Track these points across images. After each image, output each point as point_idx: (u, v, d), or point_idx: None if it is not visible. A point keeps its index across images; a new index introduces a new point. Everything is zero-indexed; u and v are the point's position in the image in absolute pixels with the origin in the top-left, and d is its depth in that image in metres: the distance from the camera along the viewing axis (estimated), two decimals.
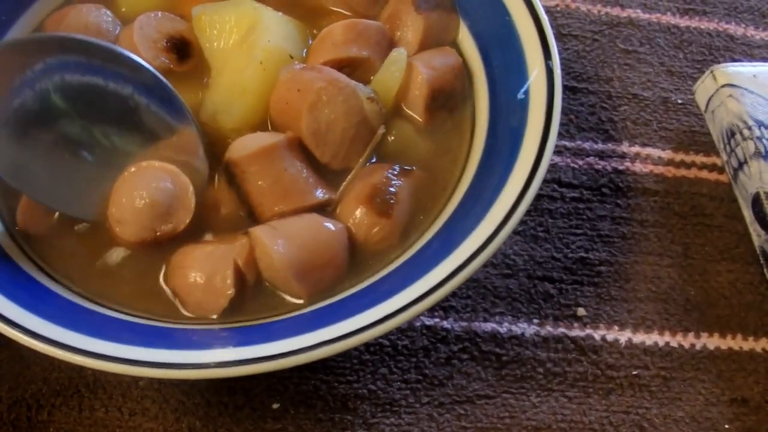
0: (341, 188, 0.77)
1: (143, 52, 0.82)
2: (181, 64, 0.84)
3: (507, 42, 0.81)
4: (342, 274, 0.73)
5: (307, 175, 0.76)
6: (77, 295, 0.73)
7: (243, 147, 0.75)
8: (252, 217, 0.75)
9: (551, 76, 0.77)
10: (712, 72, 0.92)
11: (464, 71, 0.85)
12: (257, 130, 0.78)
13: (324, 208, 0.76)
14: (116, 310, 0.72)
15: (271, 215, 0.74)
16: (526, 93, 0.77)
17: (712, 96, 0.92)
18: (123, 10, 0.89)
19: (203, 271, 0.71)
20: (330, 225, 0.73)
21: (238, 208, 0.76)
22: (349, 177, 0.78)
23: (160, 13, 0.85)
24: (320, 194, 0.76)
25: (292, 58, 0.81)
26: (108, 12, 0.86)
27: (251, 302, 0.73)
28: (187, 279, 0.71)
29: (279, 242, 0.70)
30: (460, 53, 0.86)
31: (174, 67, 0.83)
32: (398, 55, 0.81)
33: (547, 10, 1.02)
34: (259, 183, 0.74)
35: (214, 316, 0.71)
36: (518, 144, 0.75)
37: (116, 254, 0.75)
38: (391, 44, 0.85)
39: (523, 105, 0.77)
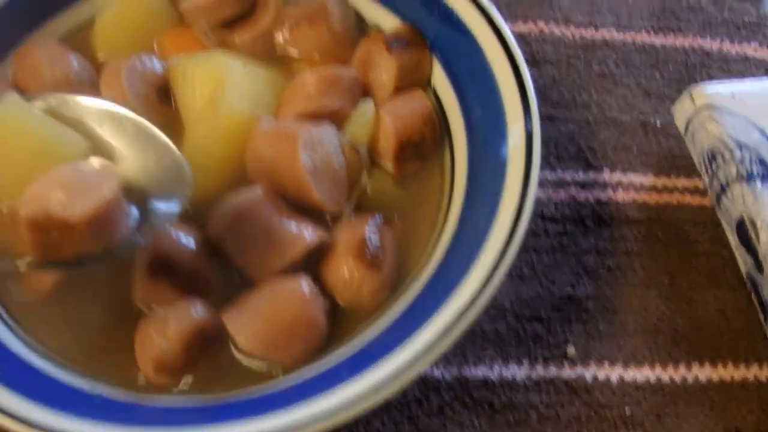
0: (337, 230, 0.76)
1: (131, 98, 0.81)
2: (162, 107, 0.83)
3: (482, 80, 0.80)
4: (320, 339, 0.72)
5: (293, 221, 0.74)
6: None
7: (218, 216, 0.74)
8: (246, 279, 0.74)
9: (529, 117, 0.76)
10: (690, 93, 0.91)
11: (434, 117, 0.83)
12: (225, 190, 0.77)
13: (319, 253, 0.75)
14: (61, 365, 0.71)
15: (267, 275, 0.73)
16: (504, 136, 0.76)
17: (691, 118, 0.91)
18: (100, 57, 0.89)
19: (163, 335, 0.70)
20: (304, 288, 0.71)
21: (232, 275, 0.75)
22: (342, 219, 0.77)
23: (143, 58, 0.84)
24: (313, 236, 0.74)
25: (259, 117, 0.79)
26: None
27: (222, 372, 0.72)
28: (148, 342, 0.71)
29: (241, 322, 0.70)
30: (435, 93, 0.85)
31: (156, 110, 0.83)
32: (366, 107, 0.81)
33: (521, 36, 1.02)
34: (247, 248, 0.73)
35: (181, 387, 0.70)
36: (500, 189, 0.73)
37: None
38: (363, 89, 0.84)
39: (502, 148, 0.75)
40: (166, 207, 0.71)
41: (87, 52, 0.89)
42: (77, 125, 0.75)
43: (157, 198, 0.72)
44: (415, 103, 0.82)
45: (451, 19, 0.84)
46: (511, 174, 0.74)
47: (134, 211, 0.71)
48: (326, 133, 0.76)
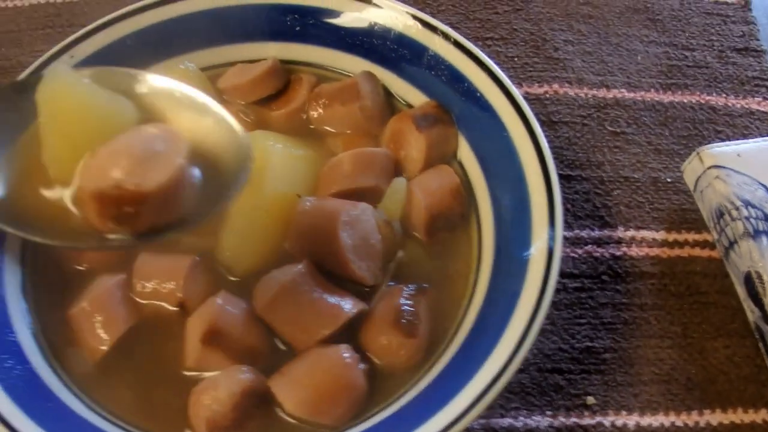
0: (375, 298, 0.83)
1: None
2: None
3: (506, 157, 0.87)
4: (362, 401, 0.78)
5: (334, 294, 0.81)
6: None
7: (264, 291, 0.80)
8: (292, 348, 0.80)
9: (551, 195, 0.82)
10: (698, 154, 0.96)
11: (462, 191, 0.90)
12: (269, 268, 0.83)
13: (359, 319, 0.81)
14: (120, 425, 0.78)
15: (311, 345, 0.79)
16: (528, 209, 0.82)
17: (700, 177, 0.97)
18: None
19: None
20: (345, 356, 0.78)
21: (278, 344, 0.81)
22: (380, 290, 0.83)
23: None
24: (352, 308, 0.80)
25: (299, 196, 0.86)
26: None
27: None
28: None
29: (287, 389, 0.77)
30: (462, 167, 0.92)
31: None
32: (398, 184, 0.88)
33: (537, 98, 1.09)
34: (291, 320, 0.79)
35: None
36: (526, 258, 0.79)
37: None
38: (395, 166, 0.91)
39: (526, 220, 0.82)
40: (231, 177, 0.75)
41: None
42: (127, 96, 0.79)
43: (219, 167, 0.75)
44: (444, 178, 0.89)
45: (474, 97, 0.91)
46: (536, 245, 0.80)
47: (198, 175, 0.73)
48: (363, 212, 0.83)
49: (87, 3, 1.22)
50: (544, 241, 0.79)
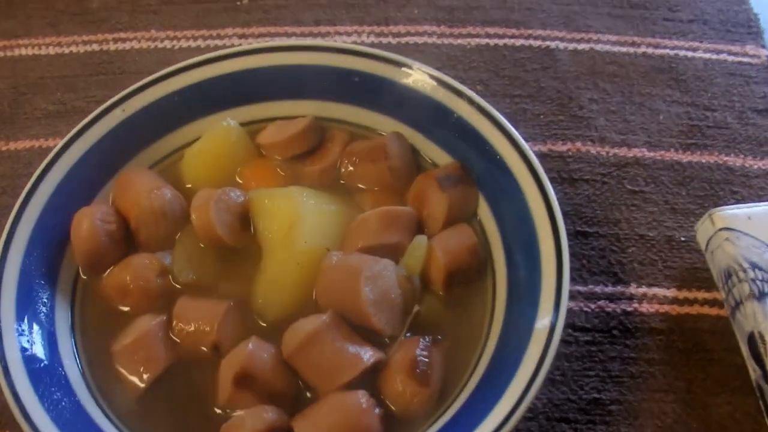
0: (393, 349, 0.88)
1: (218, 227, 0.94)
2: (243, 233, 0.97)
3: (521, 220, 0.92)
4: None
5: (354, 344, 0.87)
6: None
7: (291, 339, 0.87)
8: (314, 392, 0.87)
9: (560, 255, 0.88)
10: (710, 216, 1.00)
11: (479, 250, 0.96)
12: (297, 317, 0.89)
13: (377, 367, 0.87)
14: None
15: (332, 389, 0.85)
16: (539, 274, 0.88)
17: (711, 238, 1.00)
18: (188, 186, 1.03)
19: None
20: (362, 401, 0.83)
21: (302, 388, 0.88)
22: (398, 340, 0.89)
23: (228, 191, 0.97)
24: (370, 357, 0.86)
25: (328, 250, 0.92)
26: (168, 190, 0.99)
27: None
28: None
29: (308, 430, 0.83)
30: (480, 225, 0.98)
31: (238, 236, 0.97)
32: (420, 241, 0.94)
33: (559, 155, 1.14)
34: (314, 366, 0.86)
35: None
36: (534, 315, 0.85)
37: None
38: (418, 223, 0.97)
39: (536, 284, 0.87)
40: None
41: (176, 178, 1.04)
42: None
43: None
44: (463, 237, 0.95)
45: (494, 159, 0.96)
46: (544, 303, 0.86)
47: None
48: (385, 268, 0.89)
49: (138, 52, 1.31)
50: (550, 312, 0.84)
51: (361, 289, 0.87)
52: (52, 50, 1.31)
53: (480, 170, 0.99)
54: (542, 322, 0.84)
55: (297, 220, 0.93)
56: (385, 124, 1.06)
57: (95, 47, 1.31)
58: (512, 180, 0.94)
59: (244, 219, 0.97)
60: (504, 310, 0.91)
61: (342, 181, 1.03)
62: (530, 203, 0.92)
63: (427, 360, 0.87)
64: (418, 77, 1.02)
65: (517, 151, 0.95)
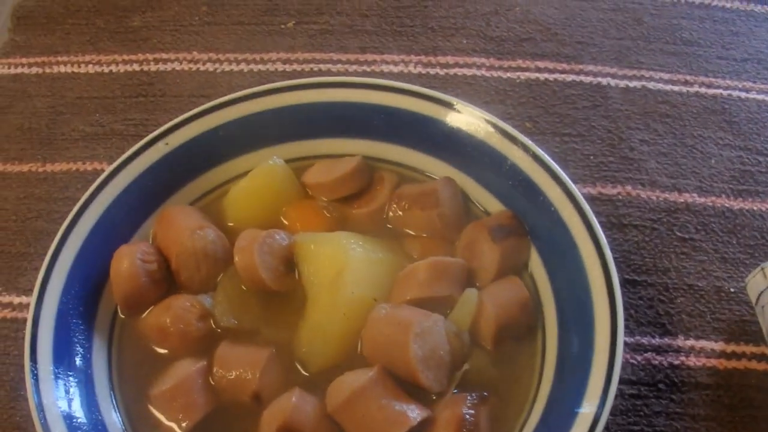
0: (440, 407, 0.86)
1: (262, 270, 0.93)
2: (287, 278, 0.95)
3: (574, 275, 0.90)
4: None
5: (401, 401, 0.85)
6: None
7: (336, 393, 0.85)
8: None
9: (615, 316, 0.85)
10: (762, 269, 0.98)
11: (530, 304, 0.93)
12: (341, 368, 0.88)
13: (423, 425, 0.85)
14: None
15: None
16: (592, 338, 0.85)
17: (762, 292, 0.98)
18: (230, 224, 1.02)
19: None
20: None
21: None
22: (445, 397, 0.87)
23: (273, 233, 0.96)
24: (417, 415, 0.84)
25: (375, 300, 0.90)
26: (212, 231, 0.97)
27: None
28: None
29: None
30: (532, 278, 0.96)
31: (282, 280, 0.95)
32: (470, 295, 0.91)
33: (609, 199, 1.12)
34: (359, 422, 0.84)
35: None
36: (587, 376, 0.83)
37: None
38: (469, 275, 0.95)
39: (588, 347, 0.85)
40: None
41: (217, 216, 1.03)
42: None
43: None
44: (514, 291, 0.93)
45: (548, 211, 0.94)
46: (597, 360, 0.84)
47: None
48: (435, 324, 0.87)
49: (179, 74, 1.28)
50: (598, 396, 0.81)
51: (410, 345, 0.85)
52: (91, 69, 1.30)
53: (532, 220, 0.97)
54: (588, 407, 0.82)
55: (344, 268, 0.91)
56: (435, 167, 1.04)
57: (135, 67, 1.29)
58: (566, 233, 0.92)
59: (289, 263, 0.96)
60: (554, 366, 0.89)
61: (389, 225, 1.01)
62: (585, 261, 0.90)
63: (473, 419, 0.85)
64: (471, 119, 1.00)
65: (572, 204, 0.92)
